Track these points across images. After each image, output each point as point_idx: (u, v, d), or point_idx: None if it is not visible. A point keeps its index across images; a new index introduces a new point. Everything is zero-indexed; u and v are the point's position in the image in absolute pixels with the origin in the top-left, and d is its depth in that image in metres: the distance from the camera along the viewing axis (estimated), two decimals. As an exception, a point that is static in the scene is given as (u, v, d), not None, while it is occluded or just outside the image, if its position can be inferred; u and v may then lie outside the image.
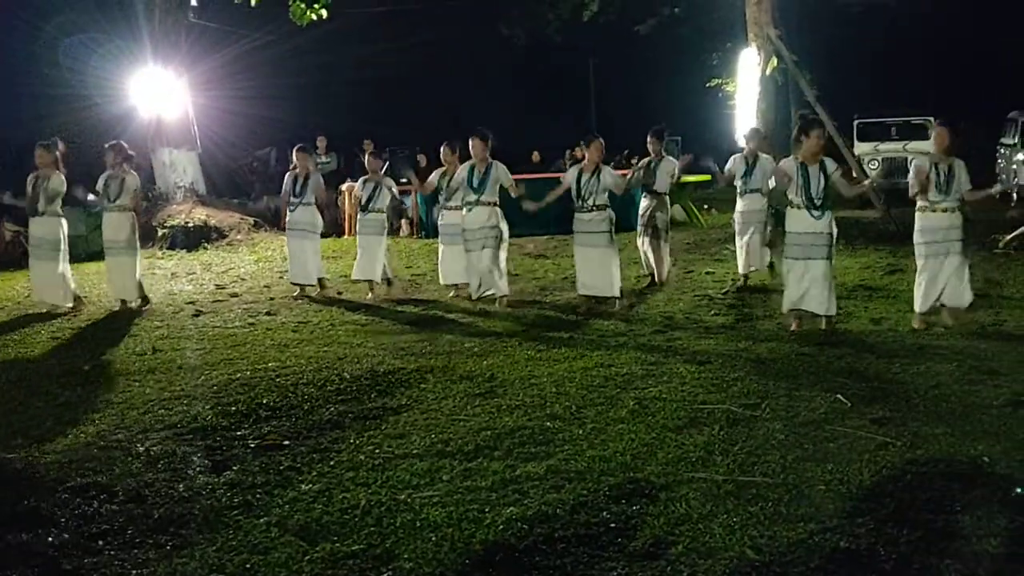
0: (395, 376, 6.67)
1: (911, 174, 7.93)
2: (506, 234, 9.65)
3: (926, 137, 20.78)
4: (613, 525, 3.98)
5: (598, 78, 34.98)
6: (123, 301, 9.90)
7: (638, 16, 25.17)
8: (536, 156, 21.52)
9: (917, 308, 7.89)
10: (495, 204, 9.48)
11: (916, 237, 7.93)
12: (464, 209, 9.56)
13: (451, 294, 10.29)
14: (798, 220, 7.74)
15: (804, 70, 15.12)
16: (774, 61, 14.83)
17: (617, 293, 9.07)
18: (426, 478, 4.59)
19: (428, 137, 25.52)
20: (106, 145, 10.17)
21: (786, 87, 20.50)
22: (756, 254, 10.13)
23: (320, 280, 10.68)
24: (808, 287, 7.69)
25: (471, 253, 9.50)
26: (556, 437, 5.17)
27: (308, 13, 11.85)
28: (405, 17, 26.40)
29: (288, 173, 10.72)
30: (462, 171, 9.55)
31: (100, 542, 4.00)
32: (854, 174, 16.31)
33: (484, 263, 9.45)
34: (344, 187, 16.34)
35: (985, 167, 20.75)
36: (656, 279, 10.35)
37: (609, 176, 9.00)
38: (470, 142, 9.51)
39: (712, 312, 8.86)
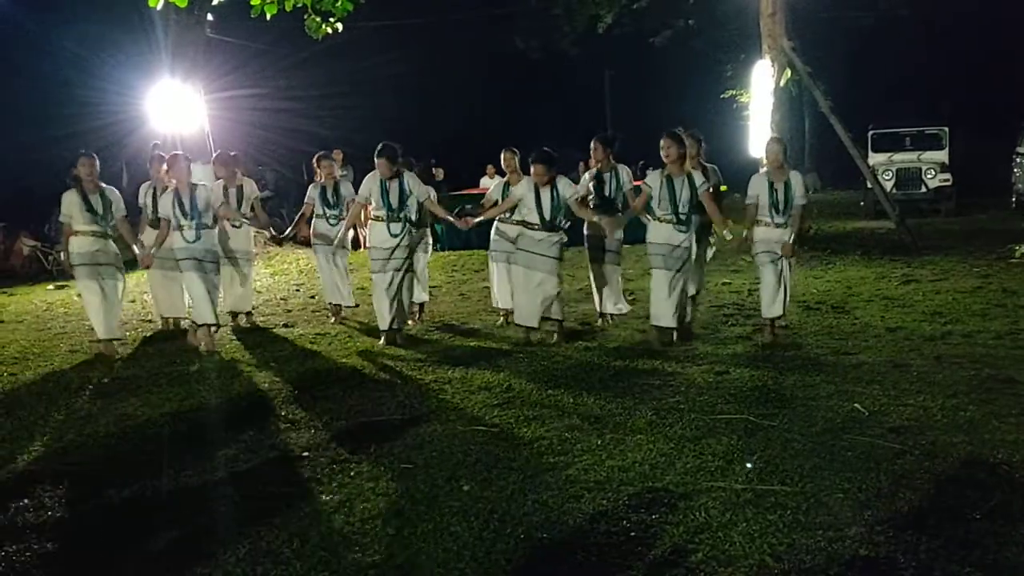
0: (413, 387, 6.71)
1: (748, 196, 7.96)
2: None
3: (941, 147, 20.82)
4: (633, 534, 4.00)
5: (613, 89, 35.07)
6: (236, 314, 9.60)
7: (653, 28, 25.30)
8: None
9: (764, 315, 7.99)
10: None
11: (755, 248, 7.98)
12: (383, 224, 8.21)
13: (499, 321, 9.20)
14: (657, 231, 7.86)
15: (818, 81, 15.12)
16: (788, 72, 14.83)
17: (536, 324, 8.14)
18: (446, 488, 4.62)
19: (443, 149, 25.66)
20: (220, 153, 9.54)
21: (800, 98, 20.50)
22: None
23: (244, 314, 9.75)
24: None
25: (385, 275, 8.20)
26: (575, 447, 5.19)
27: (323, 27, 11.91)
28: (421, 30, 26.55)
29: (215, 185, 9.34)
30: (373, 181, 8.25)
31: (123, 552, 4.04)
32: (869, 184, 16.33)
33: (399, 289, 8.27)
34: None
35: (999, 176, 20.77)
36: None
37: (569, 189, 8.06)
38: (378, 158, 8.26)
39: (729, 323, 8.86)
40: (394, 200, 8.17)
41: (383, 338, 8.34)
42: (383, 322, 8.32)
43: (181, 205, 8.12)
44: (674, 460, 4.92)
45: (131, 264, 9.04)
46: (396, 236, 8.17)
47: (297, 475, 4.92)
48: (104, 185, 8.37)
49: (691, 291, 8.40)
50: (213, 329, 8.38)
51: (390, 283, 8.20)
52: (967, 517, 4.06)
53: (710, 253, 8.79)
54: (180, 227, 8.13)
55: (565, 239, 8.21)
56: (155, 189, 9.07)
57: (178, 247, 8.20)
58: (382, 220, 8.20)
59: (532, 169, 8.04)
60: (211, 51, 17.27)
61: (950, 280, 10.90)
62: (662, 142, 7.75)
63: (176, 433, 5.78)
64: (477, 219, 8.71)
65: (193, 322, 8.54)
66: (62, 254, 8.48)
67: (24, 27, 18.05)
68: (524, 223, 8.16)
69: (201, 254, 8.19)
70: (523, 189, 8.16)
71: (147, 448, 5.49)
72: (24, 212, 17.52)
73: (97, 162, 8.32)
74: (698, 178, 7.78)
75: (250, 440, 5.57)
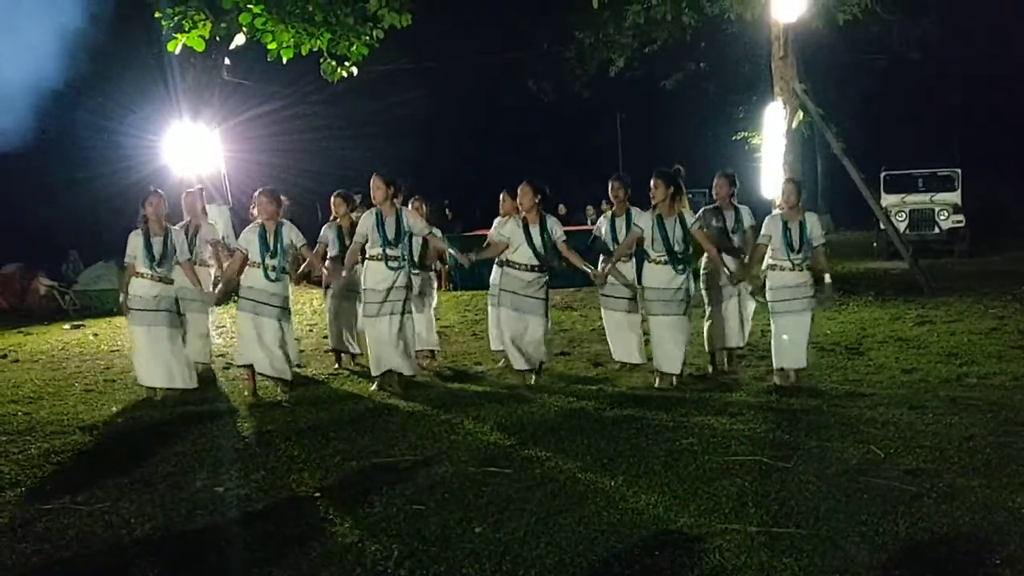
0: (425, 428, 6.70)
1: (761, 236, 7.75)
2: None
3: (954, 189, 20.85)
4: (646, 577, 3.97)
5: (625, 132, 35.30)
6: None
7: (664, 71, 25.51)
8: (562, 208, 21.80)
9: (776, 365, 7.79)
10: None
11: (768, 296, 7.77)
12: (379, 262, 7.85)
13: (501, 363, 9.02)
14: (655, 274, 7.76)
15: (830, 123, 15.18)
16: (800, 114, 14.91)
17: (543, 362, 8.22)
18: (458, 529, 4.59)
19: (457, 190, 25.80)
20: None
21: (812, 140, 20.56)
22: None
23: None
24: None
25: (381, 319, 7.86)
26: (588, 489, 5.16)
27: (339, 70, 12.07)
28: (435, 72, 26.83)
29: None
30: (369, 219, 7.92)
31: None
32: (882, 225, 16.29)
33: (401, 331, 7.89)
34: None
35: (1013, 217, 20.75)
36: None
37: (558, 229, 8.00)
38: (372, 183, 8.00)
39: (742, 364, 8.82)
40: (391, 235, 7.82)
41: (375, 383, 8.13)
42: (376, 367, 7.98)
43: (265, 241, 7.88)
44: (688, 502, 4.89)
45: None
46: (394, 271, 7.81)
47: (309, 516, 4.90)
48: (170, 227, 8.13)
49: (737, 342, 8.44)
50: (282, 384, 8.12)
51: (388, 327, 7.84)
52: (986, 562, 4.01)
53: (751, 306, 8.51)
54: (261, 264, 7.86)
55: (548, 278, 8.09)
56: (187, 230, 8.89)
57: (252, 286, 7.90)
58: (378, 259, 7.84)
59: (518, 193, 7.93)
60: (227, 92, 17.47)
61: (965, 321, 10.85)
62: (651, 182, 7.68)
63: (188, 473, 5.77)
64: (477, 257, 8.33)
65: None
66: (120, 295, 8.09)
67: (51, 78, 18.44)
68: (510, 263, 8.03)
69: (266, 297, 7.89)
70: (511, 228, 8.01)
71: (159, 488, 5.48)
72: (41, 252, 17.67)
73: (164, 200, 8.03)
74: (689, 216, 7.71)
75: (262, 480, 5.56)
